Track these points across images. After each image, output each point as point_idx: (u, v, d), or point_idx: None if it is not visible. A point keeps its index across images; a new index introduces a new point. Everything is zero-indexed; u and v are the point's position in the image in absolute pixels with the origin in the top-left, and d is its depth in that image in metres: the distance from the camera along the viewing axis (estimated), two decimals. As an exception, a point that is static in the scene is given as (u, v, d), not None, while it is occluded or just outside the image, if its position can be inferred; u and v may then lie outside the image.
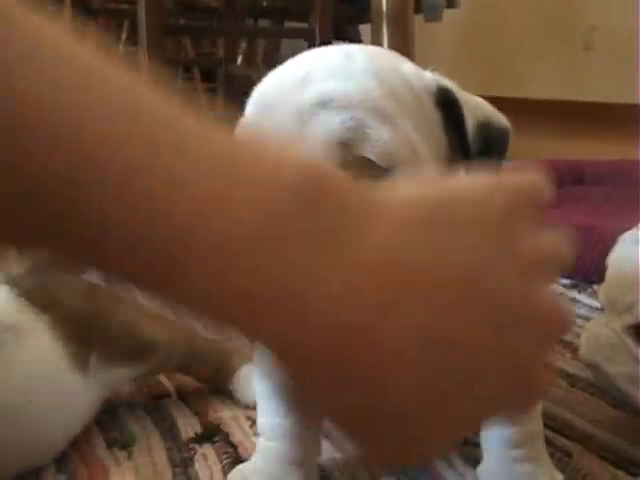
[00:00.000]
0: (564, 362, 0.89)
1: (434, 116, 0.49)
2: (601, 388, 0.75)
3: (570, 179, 1.68)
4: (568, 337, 0.95)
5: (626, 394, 0.67)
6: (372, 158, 0.45)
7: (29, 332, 0.70)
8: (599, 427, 0.74)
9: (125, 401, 0.82)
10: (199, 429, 0.76)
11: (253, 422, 0.74)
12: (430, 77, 0.50)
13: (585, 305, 1.08)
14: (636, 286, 0.66)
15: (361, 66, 0.47)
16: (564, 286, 1.17)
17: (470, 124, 0.48)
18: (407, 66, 0.51)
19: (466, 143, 0.48)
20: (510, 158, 0.65)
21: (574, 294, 1.14)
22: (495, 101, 0.62)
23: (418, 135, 0.47)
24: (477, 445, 0.64)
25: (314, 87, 0.45)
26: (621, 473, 0.66)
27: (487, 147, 0.48)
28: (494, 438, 0.62)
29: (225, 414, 0.79)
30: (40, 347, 0.71)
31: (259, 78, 0.49)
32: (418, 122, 0.47)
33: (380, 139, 0.44)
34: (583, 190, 1.63)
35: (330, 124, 0.44)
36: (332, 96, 0.44)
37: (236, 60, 3.36)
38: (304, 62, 0.49)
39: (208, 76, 3.43)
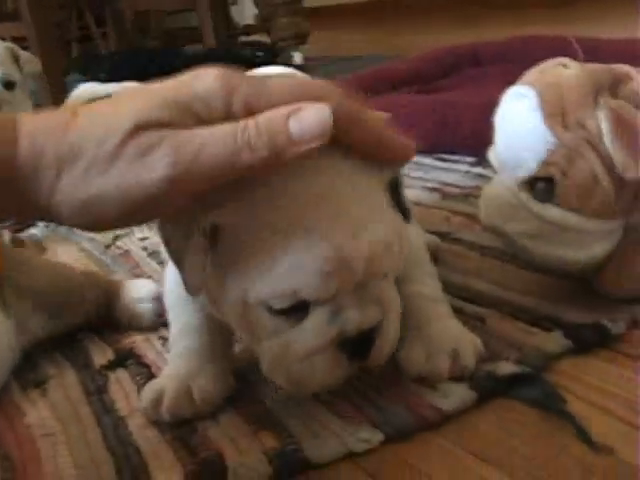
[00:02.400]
0: (473, 235, 0.88)
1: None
2: (508, 251, 0.75)
3: (468, 62, 1.67)
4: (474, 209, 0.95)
5: (528, 251, 0.66)
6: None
7: None
8: (511, 291, 0.73)
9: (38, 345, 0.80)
10: (112, 357, 0.74)
11: (165, 340, 0.73)
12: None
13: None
14: (524, 141, 0.65)
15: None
16: (469, 163, 1.17)
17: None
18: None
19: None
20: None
21: (479, 170, 1.13)
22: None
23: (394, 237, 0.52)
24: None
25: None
26: (535, 330, 0.66)
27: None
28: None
29: (137, 338, 0.77)
30: None
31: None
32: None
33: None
34: (482, 70, 1.63)
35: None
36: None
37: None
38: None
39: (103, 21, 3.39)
